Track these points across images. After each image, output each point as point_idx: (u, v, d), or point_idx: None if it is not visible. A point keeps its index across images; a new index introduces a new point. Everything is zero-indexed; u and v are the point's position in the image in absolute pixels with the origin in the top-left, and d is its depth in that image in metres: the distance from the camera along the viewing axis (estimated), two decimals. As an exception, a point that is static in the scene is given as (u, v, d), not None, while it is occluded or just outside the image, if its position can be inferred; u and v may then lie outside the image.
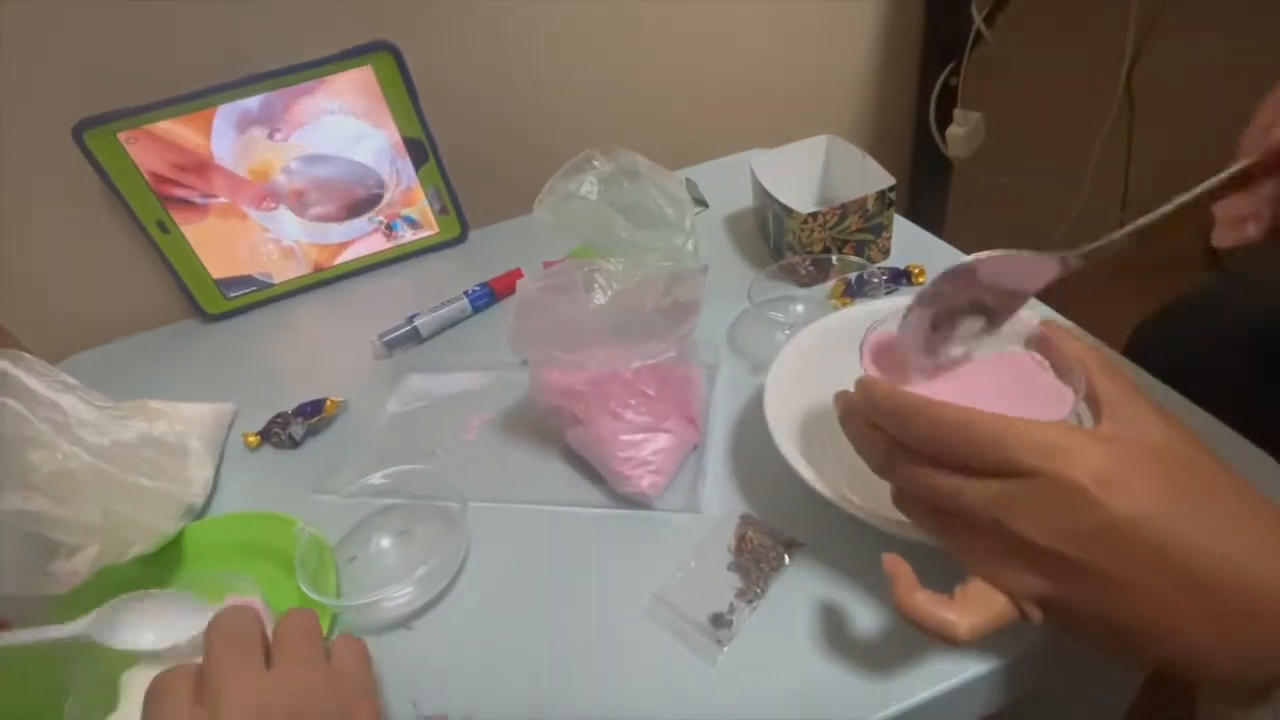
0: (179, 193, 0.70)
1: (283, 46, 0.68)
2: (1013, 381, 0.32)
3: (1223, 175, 0.29)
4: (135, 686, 0.37)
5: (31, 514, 0.39)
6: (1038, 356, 0.32)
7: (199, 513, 0.51)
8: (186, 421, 0.54)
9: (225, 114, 0.68)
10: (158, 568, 0.46)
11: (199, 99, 0.67)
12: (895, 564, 0.30)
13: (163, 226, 0.72)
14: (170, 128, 0.67)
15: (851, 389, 0.32)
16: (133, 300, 0.79)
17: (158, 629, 0.36)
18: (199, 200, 0.71)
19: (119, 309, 0.79)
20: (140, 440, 0.45)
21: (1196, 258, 1.25)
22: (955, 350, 0.33)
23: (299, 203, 0.74)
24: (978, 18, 0.80)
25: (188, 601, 0.38)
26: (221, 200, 0.72)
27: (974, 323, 0.33)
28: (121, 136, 0.67)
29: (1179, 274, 0.85)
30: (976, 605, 0.28)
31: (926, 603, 0.28)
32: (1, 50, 0.64)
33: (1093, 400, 0.29)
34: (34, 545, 0.38)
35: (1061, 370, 0.31)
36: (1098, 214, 1.26)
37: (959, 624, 0.28)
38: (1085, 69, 0.92)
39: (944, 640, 0.28)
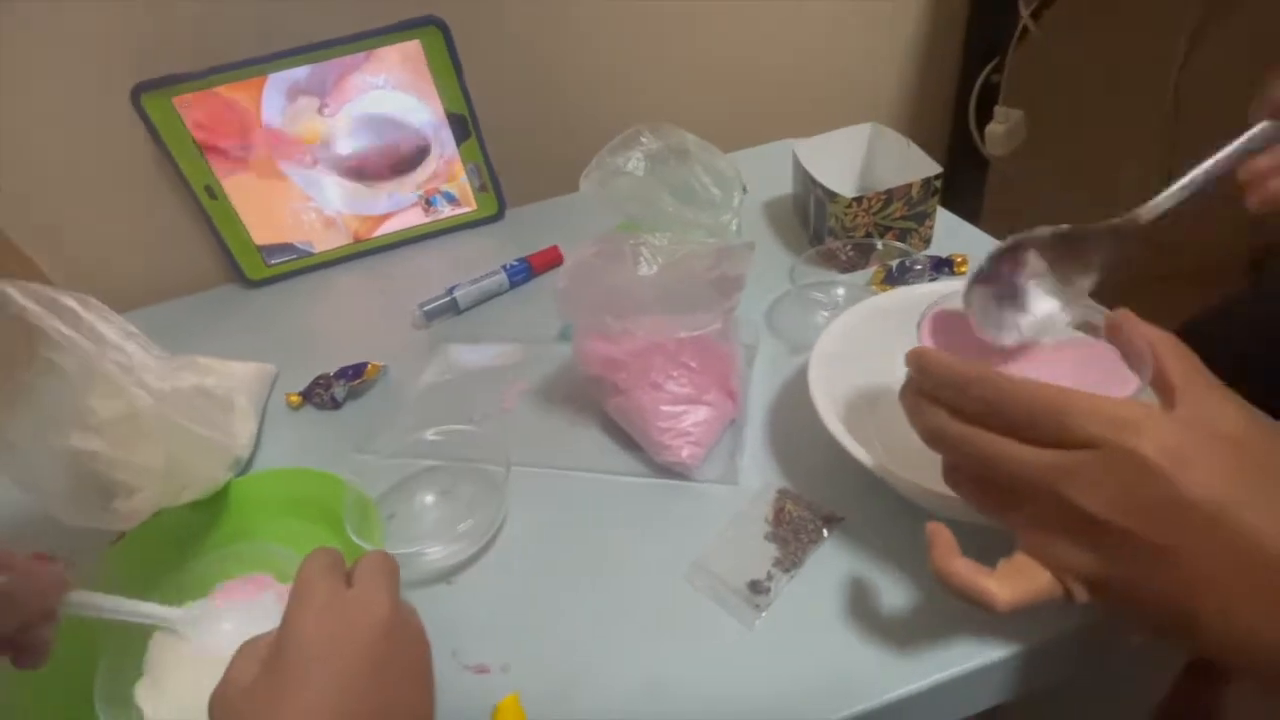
0: (226, 152, 0.72)
1: (334, 17, 0.69)
2: (1077, 365, 0.32)
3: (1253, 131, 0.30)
4: (161, 647, 0.39)
5: (91, 454, 0.40)
6: (1106, 344, 0.32)
7: (243, 467, 0.52)
8: (233, 378, 0.55)
9: (276, 82, 0.70)
10: (208, 514, 0.47)
11: (252, 66, 0.68)
12: (937, 529, 0.30)
13: (210, 191, 0.73)
14: (223, 93, 0.69)
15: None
16: (177, 263, 0.81)
17: (236, 628, 0.37)
18: (240, 154, 0.72)
19: (163, 271, 0.81)
20: (194, 391, 0.47)
21: (1238, 265, 1.23)
22: (1022, 331, 0.33)
23: (344, 162, 0.75)
24: (1025, 13, 0.79)
25: (268, 604, 0.38)
26: (265, 158, 0.73)
27: (1043, 303, 0.33)
28: (176, 101, 0.68)
29: (1223, 281, 0.84)
30: (1019, 578, 0.28)
31: (965, 569, 0.28)
32: (64, 13, 0.66)
33: (1164, 386, 0.28)
34: (97, 482, 0.40)
35: (1130, 356, 0.31)
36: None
37: (999, 594, 0.28)
38: (1133, 70, 0.91)
39: (982, 608, 0.28)
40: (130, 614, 0.35)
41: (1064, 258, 0.33)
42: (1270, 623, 0.24)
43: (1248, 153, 0.32)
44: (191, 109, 0.69)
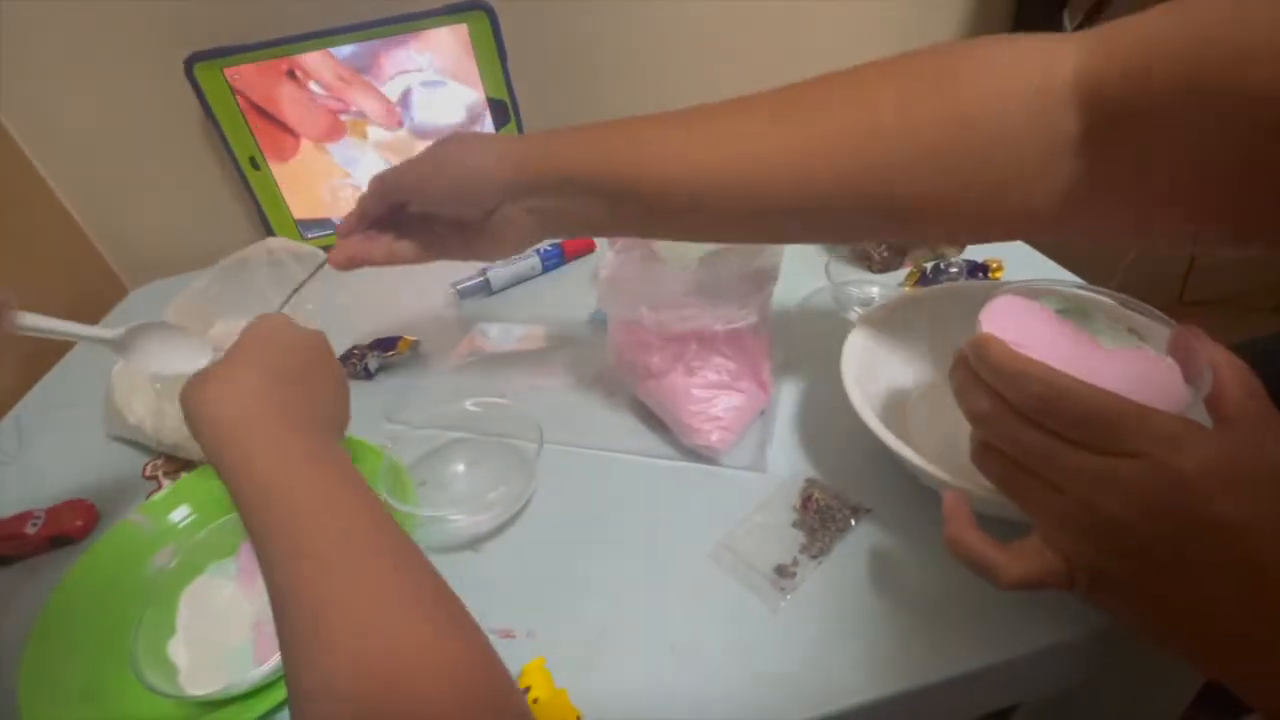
0: (271, 122, 0.73)
1: (383, -2, 0.71)
2: (1132, 373, 0.32)
3: None
4: (191, 607, 0.40)
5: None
6: (1169, 360, 0.32)
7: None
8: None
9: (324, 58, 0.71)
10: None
11: (303, 41, 0.69)
12: (956, 500, 0.31)
13: (254, 163, 0.75)
14: (273, 66, 0.70)
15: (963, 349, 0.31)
16: (218, 233, 0.83)
17: (164, 358, 0.41)
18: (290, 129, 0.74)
19: (203, 239, 0.82)
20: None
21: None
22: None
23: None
24: (1069, 25, 0.79)
25: (197, 343, 0.42)
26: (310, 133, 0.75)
27: None
28: (227, 72, 0.70)
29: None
30: (1029, 558, 0.28)
31: (977, 540, 0.29)
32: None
33: (1220, 407, 0.28)
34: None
35: (1190, 373, 0.30)
36: (1163, 256, 1.23)
37: (1007, 567, 0.28)
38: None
39: (987, 578, 0.29)
40: (69, 333, 0.38)
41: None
42: (1275, 653, 0.24)
43: None
44: (241, 80, 0.70)
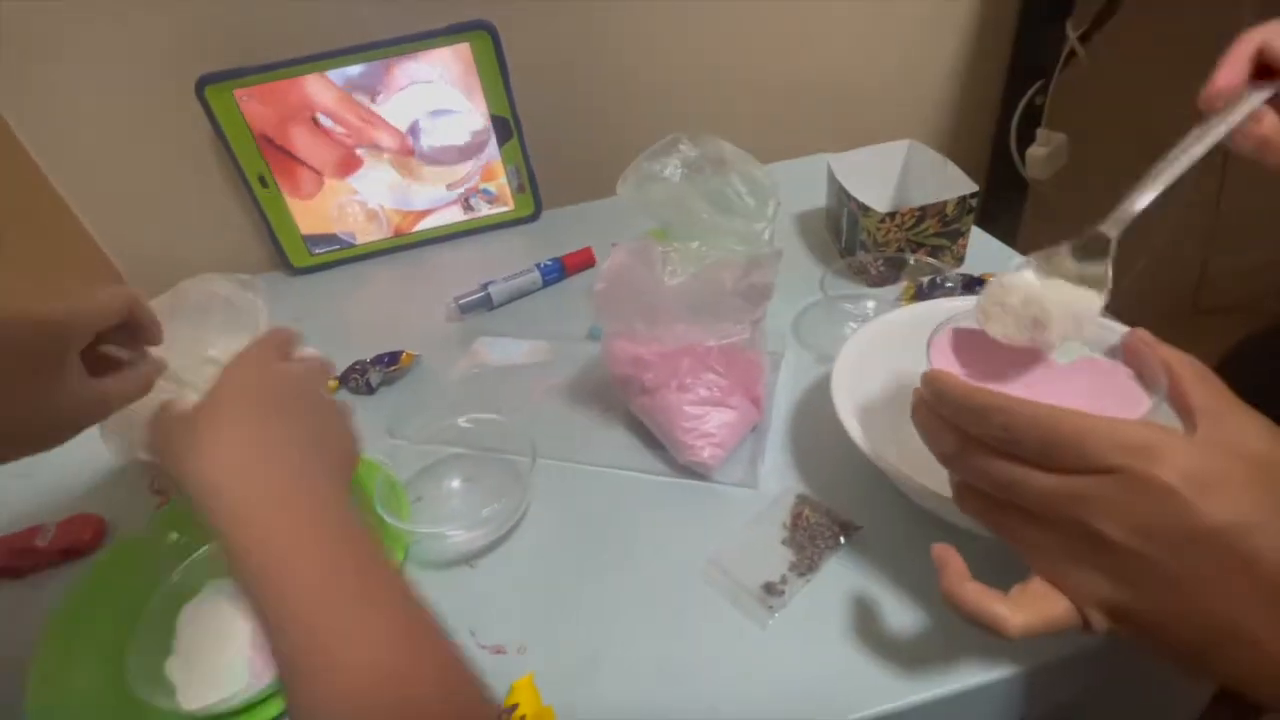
0: (279, 143, 0.75)
1: (389, 18, 0.72)
2: (1091, 385, 0.32)
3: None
4: (188, 627, 0.41)
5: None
6: (1123, 366, 0.32)
7: (280, 443, 0.54)
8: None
9: (333, 80, 0.73)
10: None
11: (311, 62, 0.71)
12: (945, 552, 0.30)
13: (263, 180, 0.77)
14: (281, 87, 0.72)
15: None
16: (226, 247, 0.85)
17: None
18: (296, 158, 0.76)
19: (213, 254, 0.84)
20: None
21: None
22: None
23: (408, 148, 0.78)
24: (1073, 35, 0.79)
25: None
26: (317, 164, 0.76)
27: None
28: (237, 93, 0.71)
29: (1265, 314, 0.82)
30: (1034, 604, 0.28)
31: (976, 594, 0.28)
32: (139, 7, 0.70)
33: (1184, 408, 0.28)
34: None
35: (1147, 378, 0.31)
36: (1179, 255, 1.21)
37: (1010, 619, 0.27)
38: (1183, 98, 0.89)
39: (992, 633, 0.28)
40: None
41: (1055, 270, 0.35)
42: None
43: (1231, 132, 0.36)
44: (251, 101, 0.72)
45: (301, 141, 0.75)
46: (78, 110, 0.74)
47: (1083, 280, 0.35)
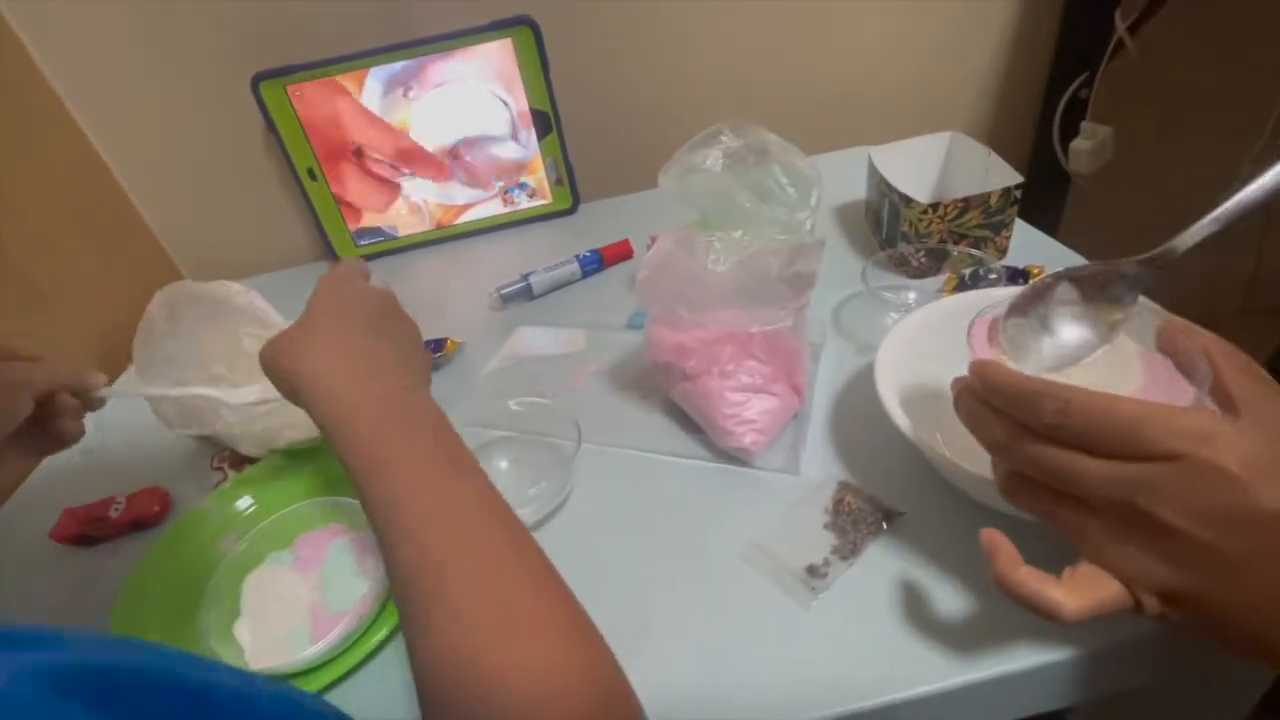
0: (328, 137, 0.78)
1: (435, 14, 0.74)
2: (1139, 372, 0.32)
3: None
4: (254, 592, 0.43)
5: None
6: (1160, 356, 0.32)
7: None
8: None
9: (376, 74, 0.75)
10: (297, 469, 0.52)
11: (359, 59, 0.73)
12: (994, 538, 0.30)
13: (312, 174, 0.79)
14: (331, 83, 0.74)
15: (965, 373, 0.32)
16: (275, 239, 0.88)
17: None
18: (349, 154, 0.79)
19: (263, 246, 0.87)
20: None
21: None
22: (1044, 357, 0.33)
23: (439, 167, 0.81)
24: (1121, 26, 0.77)
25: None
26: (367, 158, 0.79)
27: (1071, 331, 0.33)
28: (290, 89, 0.74)
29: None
30: (1087, 587, 0.28)
31: (1030, 579, 0.28)
32: (188, 7, 0.72)
33: (1223, 395, 0.28)
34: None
35: (1184, 365, 0.30)
36: (1226, 259, 1.18)
37: (1066, 603, 0.27)
38: (1232, 93, 0.87)
39: (1048, 618, 0.28)
40: (162, 396, 0.42)
41: (1097, 291, 0.33)
42: None
43: None
44: (302, 97, 0.75)
45: (350, 181, 0.80)
46: (141, 105, 0.77)
47: (1119, 319, 0.32)
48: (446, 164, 0.80)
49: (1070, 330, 0.33)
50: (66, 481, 0.57)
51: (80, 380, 0.41)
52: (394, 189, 0.81)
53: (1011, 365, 0.32)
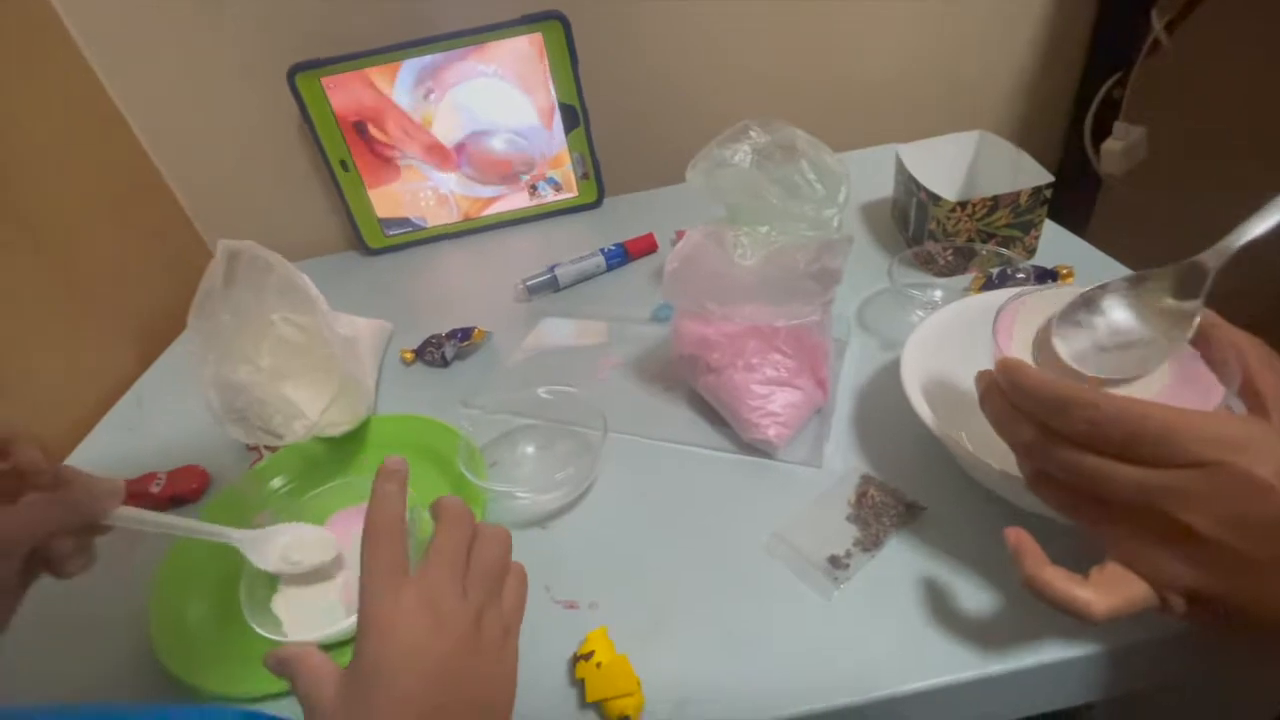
0: (360, 129, 0.79)
1: (467, 8, 0.75)
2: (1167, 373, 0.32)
3: None
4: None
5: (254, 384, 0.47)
6: (1190, 351, 0.31)
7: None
8: (359, 331, 0.61)
9: (408, 68, 0.76)
10: (336, 448, 0.53)
11: (392, 52, 0.75)
12: (1020, 537, 0.30)
13: (344, 165, 0.81)
14: (365, 76, 0.76)
15: (991, 369, 0.32)
16: (307, 228, 0.89)
17: (285, 556, 0.42)
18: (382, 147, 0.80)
19: (294, 234, 0.89)
20: (345, 340, 0.52)
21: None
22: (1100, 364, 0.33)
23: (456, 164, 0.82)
24: (1158, 25, 0.76)
25: (321, 537, 0.44)
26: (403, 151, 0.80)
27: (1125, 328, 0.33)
28: (325, 81, 0.76)
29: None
30: (1114, 587, 0.28)
31: (1058, 578, 0.28)
32: (227, 4, 0.74)
33: (1252, 394, 0.28)
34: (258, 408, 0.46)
35: (1216, 364, 0.30)
36: (1262, 261, 1.15)
37: (1095, 604, 0.27)
38: (1272, 95, 0.85)
39: (1077, 618, 0.28)
40: (182, 530, 0.39)
41: (1145, 297, 0.33)
42: None
43: None
44: (336, 89, 0.76)
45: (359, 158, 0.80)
46: (180, 96, 0.80)
47: (1172, 316, 0.32)
48: (461, 157, 0.81)
49: (1129, 326, 0.33)
50: (110, 459, 0.59)
51: (84, 513, 0.33)
52: (395, 169, 0.82)
53: (1060, 353, 0.31)
